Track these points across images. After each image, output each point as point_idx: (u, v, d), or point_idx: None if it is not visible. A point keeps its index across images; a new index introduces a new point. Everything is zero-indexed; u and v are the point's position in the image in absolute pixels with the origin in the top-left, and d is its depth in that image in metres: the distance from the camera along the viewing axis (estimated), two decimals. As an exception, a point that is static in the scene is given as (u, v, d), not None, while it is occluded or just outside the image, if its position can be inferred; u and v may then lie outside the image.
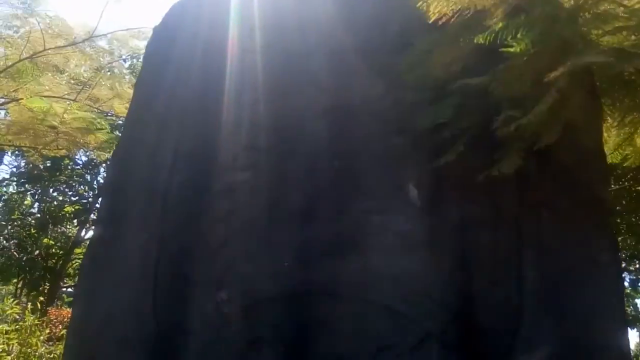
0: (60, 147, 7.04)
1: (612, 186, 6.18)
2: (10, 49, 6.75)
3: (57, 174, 14.12)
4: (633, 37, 2.73)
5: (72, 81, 7.99)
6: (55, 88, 7.19)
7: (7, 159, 14.31)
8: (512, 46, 2.67)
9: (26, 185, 14.53)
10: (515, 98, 2.79)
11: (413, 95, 3.39)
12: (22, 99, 6.07)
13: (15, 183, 14.76)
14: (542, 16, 2.64)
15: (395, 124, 3.51)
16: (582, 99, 2.68)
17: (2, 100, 6.76)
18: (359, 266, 3.33)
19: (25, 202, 15.22)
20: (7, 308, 6.10)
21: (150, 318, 3.42)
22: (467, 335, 3.09)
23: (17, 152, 11.42)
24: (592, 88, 2.90)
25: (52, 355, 5.32)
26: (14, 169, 14.68)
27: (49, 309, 8.29)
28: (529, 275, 3.11)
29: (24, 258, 13.97)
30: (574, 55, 2.50)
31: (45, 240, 14.58)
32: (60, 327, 6.65)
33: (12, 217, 14.41)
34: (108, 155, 7.57)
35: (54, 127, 6.44)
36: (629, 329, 2.83)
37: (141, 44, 8.21)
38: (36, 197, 14.81)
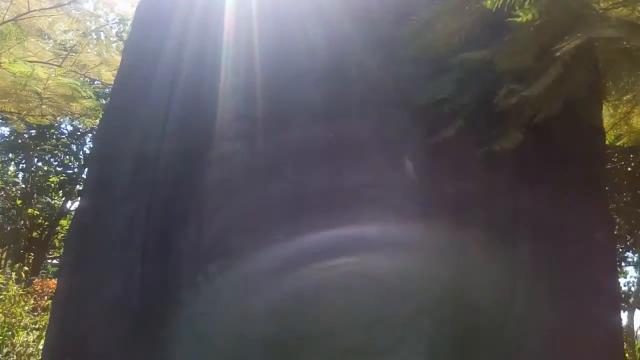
0: (45, 114, 6.84)
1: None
2: (-8, 10, 6.49)
3: (42, 143, 13.86)
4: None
5: (58, 47, 7.75)
6: (40, 53, 6.95)
7: (-10, 127, 14.02)
8: (518, 16, 2.58)
9: (10, 155, 14.25)
10: (517, 72, 2.72)
11: (412, 68, 3.30)
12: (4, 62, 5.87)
13: (-1, 151, 14.51)
14: (549, -15, 2.56)
15: (393, 97, 3.43)
16: (586, 74, 2.62)
17: (-15, 64, 6.54)
18: (352, 239, 3.28)
19: (9, 172, 14.96)
20: (-10, 278, 6.01)
21: (138, 288, 3.35)
22: (459, 311, 3.08)
23: (0, 120, 11.14)
24: (594, 62, 2.84)
25: (37, 326, 5.26)
26: (-2, 138, 14.40)
27: (34, 279, 8.19)
28: (524, 251, 3.09)
29: (8, 228, 13.79)
30: (581, 28, 2.43)
31: (30, 210, 14.39)
32: (46, 298, 6.57)
33: (-4, 186, 14.20)
34: (94, 123, 7.39)
35: (37, 93, 6.25)
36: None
37: (129, 10, 7.96)
38: (20, 166, 14.55)
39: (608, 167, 6.78)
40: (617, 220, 7.04)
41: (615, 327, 2.95)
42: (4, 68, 5.94)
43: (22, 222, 14.15)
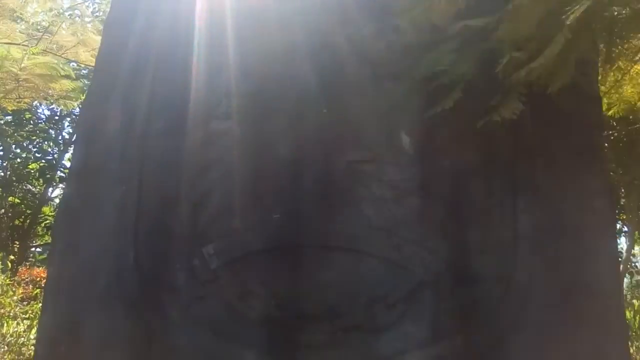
0: (22, 97, 6.59)
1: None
2: (-40, -10, 6.18)
3: (19, 129, 13.48)
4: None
5: (32, 28, 7.44)
6: (13, 35, 6.67)
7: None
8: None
9: (-14, 142, 13.87)
10: (519, 40, 2.65)
11: (408, 38, 3.21)
12: (-24, 45, 5.61)
13: (-26, 139, 14.07)
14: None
15: (388, 69, 3.35)
16: (594, 39, 2.56)
17: (-45, 47, 6.24)
18: (350, 217, 3.23)
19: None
20: (-26, 268, 5.85)
21: (131, 273, 3.27)
22: (460, 283, 3.06)
23: (-26, 106, 10.77)
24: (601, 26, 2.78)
25: (27, 315, 5.15)
26: (-28, 125, 13.95)
27: (20, 268, 8.02)
28: (523, 222, 3.07)
29: (-11, 217, 13.51)
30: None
31: (11, 198, 14.08)
32: (31, 287, 6.43)
33: (-27, 175, 13.82)
34: (74, 106, 7.16)
35: (13, 75, 6.00)
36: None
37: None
38: (-4, 154, 14.19)
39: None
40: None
41: (616, 292, 2.96)
42: (-25, 51, 5.69)
43: (2, 210, 13.85)
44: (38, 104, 12.11)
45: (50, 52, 6.63)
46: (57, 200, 15.24)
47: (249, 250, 3.24)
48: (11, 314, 4.94)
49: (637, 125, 6.01)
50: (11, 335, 4.56)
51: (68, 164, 14.08)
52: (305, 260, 3.20)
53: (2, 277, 5.36)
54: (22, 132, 13.64)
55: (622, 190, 7.03)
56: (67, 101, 7.10)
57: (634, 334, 6.11)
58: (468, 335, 2.97)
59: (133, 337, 3.19)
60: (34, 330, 4.67)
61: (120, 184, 3.43)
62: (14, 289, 5.30)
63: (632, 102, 5.30)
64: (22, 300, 5.65)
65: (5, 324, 4.76)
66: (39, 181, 14.77)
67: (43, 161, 14.66)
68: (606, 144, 6.51)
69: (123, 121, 3.61)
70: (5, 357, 4.38)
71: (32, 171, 14.56)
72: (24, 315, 5.04)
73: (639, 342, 6.08)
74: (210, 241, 3.25)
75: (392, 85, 3.35)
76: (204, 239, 3.26)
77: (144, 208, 3.35)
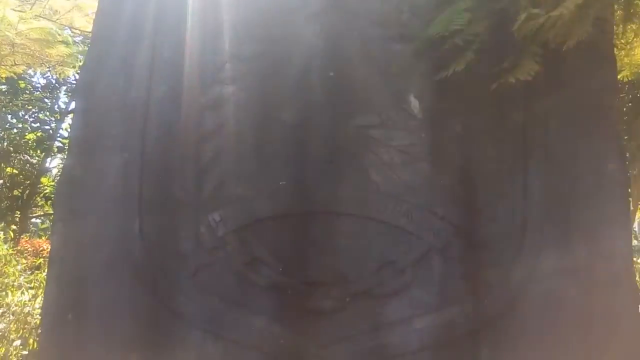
0: (18, 64, 6.42)
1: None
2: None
3: (14, 99, 13.29)
4: None
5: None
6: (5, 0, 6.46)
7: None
8: None
9: (-19, 112, 13.68)
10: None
11: (417, -2, 3.09)
12: (-33, 9, 5.41)
13: (-31, 109, 13.88)
14: None
15: (397, 30, 3.24)
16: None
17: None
18: (358, 183, 3.18)
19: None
20: (-24, 239, 5.81)
21: (137, 241, 3.23)
22: (469, 249, 3.03)
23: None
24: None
25: (32, 285, 5.15)
26: (-33, 95, 13.73)
27: (21, 238, 8.01)
28: (535, 186, 3.02)
29: (-13, 188, 13.45)
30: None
31: (9, 169, 13.99)
32: (34, 257, 6.41)
33: (-30, 145, 13.69)
34: (71, 74, 7.01)
35: (9, 40, 5.82)
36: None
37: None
38: (-7, 124, 14.02)
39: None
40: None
41: (627, 255, 2.94)
42: (-32, 16, 5.51)
43: (1, 181, 13.78)
44: (33, 73, 11.90)
45: (44, 18, 6.44)
46: (55, 171, 15.17)
47: (256, 217, 3.20)
48: (15, 283, 4.94)
49: (645, 90, 5.91)
50: (16, 305, 4.56)
51: (65, 134, 13.95)
52: (312, 226, 3.17)
53: (5, 247, 5.33)
54: (18, 102, 13.45)
55: (628, 156, 6.97)
56: (63, 68, 6.92)
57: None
58: (477, 301, 2.95)
59: (140, 304, 3.18)
60: (39, 300, 4.67)
61: (122, 151, 3.36)
62: (17, 259, 5.28)
63: (642, 67, 5.20)
64: (25, 270, 5.65)
65: (10, 294, 4.77)
66: (37, 151, 14.65)
67: (40, 131, 14.51)
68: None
69: (123, 87, 3.51)
70: (12, 326, 4.39)
71: (30, 142, 14.43)
72: (28, 285, 5.04)
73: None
74: (216, 208, 3.21)
75: (401, 47, 3.25)
76: (209, 206, 3.21)
77: (147, 175, 3.29)
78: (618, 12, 3.24)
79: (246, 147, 3.25)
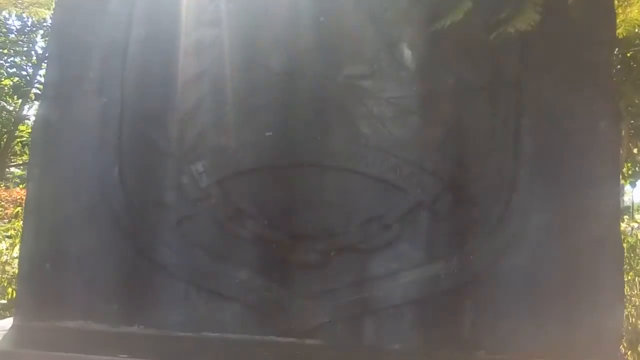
0: (-11, 3, 6.03)
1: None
2: None
3: (-12, 42, 12.73)
4: None
5: None
6: None
7: None
8: None
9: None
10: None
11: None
12: None
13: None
14: None
15: (390, -26, 3.07)
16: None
17: None
18: (346, 135, 3.08)
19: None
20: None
21: (117, 190, 3.13)
22: (458, 205, 2.99)
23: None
24: None
25: (9, 233, 5.04)
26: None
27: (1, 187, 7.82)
28: (527, 143, 2.96)
29: (-37, 135, 13.04)
30: None
31: (-15, 116, 13.57)
32: (12, 206, 6.26)
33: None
34: (47, 16, 6.66)
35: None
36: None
37: None
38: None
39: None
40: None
41: (615, 215, 2.92)
42: None
43: (-23, 128, 13.38)
44: (7, 15, 11.34)
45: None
46: (33, 118, 14.74)
47: (241, 168, 3.11)
48: (-9, 232, 4.83)
49: (638, 49, 5.81)
50: (-6, 253, 4.47)
51: (43, 80, 13.45)
52: (298, 179, 3.09)
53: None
54: (-8, 45, 12.90)
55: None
56: (37, 9, 6.55)
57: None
58: (464, 256, 2.93)
59: (121, 255, 3.11)
60: (16, 249, 4.57)
61: (100, 95, 3.20)
62: (-8, 207, 5.14)
63: (637, 25, 5.07)
64: (2, 218, 5.51)
65: (-13, 242, 4.67)
66: (14, 98, 14.18)
67: (16, 77, 14.00)
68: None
69: (101, 28, 3.31)
70: (-11, 274, 4.31)
71: (6, 88, 13.94)
72: (5, 233, 4.93)
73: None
74: (199, 158, 3.10)
75: (394, -8, 3.08)
76: (192, 156, 3.11)
77: (127, 122, 3.15)
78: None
79: (229, 95, 3.12)
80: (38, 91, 13.73)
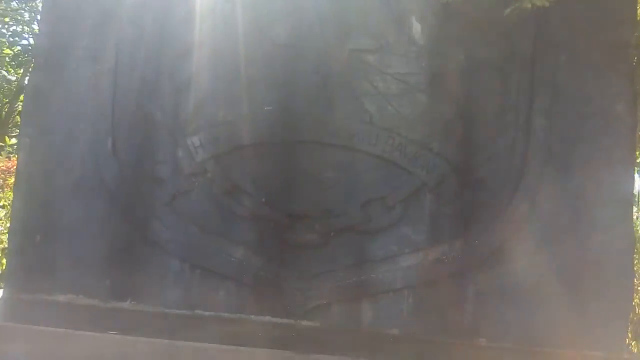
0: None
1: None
2: None
3: (-11, 10, 12.48)
4: None
5: None
6: None
7: None
8: None
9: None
10: None
11: None
12: None
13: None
14: None
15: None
16: None
17: None
18: (350, 112, 2.95)
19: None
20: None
21: (110, 162, 3.02)
22: (464, 187, 2.87)
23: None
24: None
25: (1, 203, 4.94)
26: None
27: (-2, 157, 7.71)
28: (539, 123, 2.83)
29: (-37, 104, 12.89)
30: None
31: (-15, 85, 13.39)
32: (7, 176, 6.16)
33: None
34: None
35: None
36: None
37: None
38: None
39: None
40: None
41: (628, 199, 2.80)
42: None
43: (-22, 98, 13.22)
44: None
45: None
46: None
47: (238, 143, 2.99)
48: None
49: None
50: (-13, 224, 4.38)
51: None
52: (298, 156, 2.97)
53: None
54: (-7, 13, 12.65)
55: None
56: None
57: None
58: (468, 240, 2.83)
59: (114, 229, 3.02)
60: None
61: (94, 63, 3.07)
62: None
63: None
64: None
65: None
66: (15, 69, 13.97)
67: (18, 47, 13.78)
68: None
69: (96, -5, 3.16)
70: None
71: (7, 57, 13.73)
72: (-1, 203, 4.84)
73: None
74: (195, 132, 2.98)
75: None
76: (188, 129, 2.99)
77: (121, 91, 3.02)
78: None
79: (229, 66, 2.98)
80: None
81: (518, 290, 2.76)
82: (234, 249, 2.95)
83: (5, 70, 13.80)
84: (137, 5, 3.05)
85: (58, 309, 2.87)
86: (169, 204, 2.99)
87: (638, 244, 3.42)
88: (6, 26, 13.59)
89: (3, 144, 6.41)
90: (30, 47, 13.55)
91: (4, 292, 3.02)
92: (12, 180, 5.95)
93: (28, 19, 13.71)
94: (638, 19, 3.08)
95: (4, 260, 4.16)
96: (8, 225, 4.46)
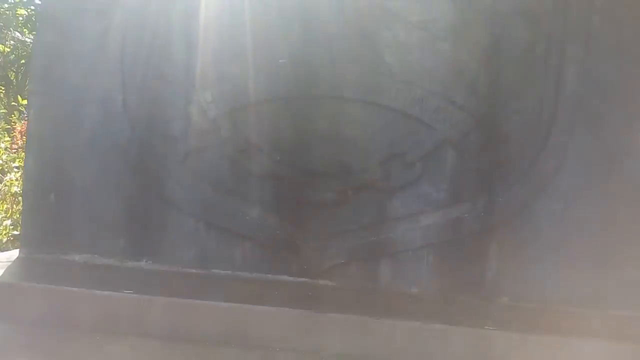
0: None
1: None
2: None
3: (0, -31, 12.30)
4: None
5: None
6: None
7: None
8: None
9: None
10: None
11: None
12: None
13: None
14: None
15: None
16: None
17: None
18: (368, 64, 2.80)
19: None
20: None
21: (122, 120, 2.94)
22: (488, 143, 2.74)
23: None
24: None
25: (16, 163, 4.94)
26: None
27: (14, 120, 7.71)
28: (570, 74, 2.66)
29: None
30: None
31: (1, 47, 13.34)
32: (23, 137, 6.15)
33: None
34: None
35: None
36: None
37: None
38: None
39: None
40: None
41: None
42: None
43: (-6, 60, 13.20)
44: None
45: None
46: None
47: (252, 99, 2.87)
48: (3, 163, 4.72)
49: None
50: (4, 185, 4.38)
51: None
52: (315, 112, 2.85)
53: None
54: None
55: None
56: None
57: None
58: (492, 198, 2.72)
59: (127, 188, 2.96)
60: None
61: (102, 16, 2.94)
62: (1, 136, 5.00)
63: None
64: (8, 148, 5.41)
65: (-4, 173, 4.58)
66: (30, 29, 13.86)
67: (31, 8, 13.64)
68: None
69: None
70: (1, 206, 4.25)
71: (21, 18, 13.61)
72: (14, 164, 4.84)
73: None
74: (207, 87, 2.87)
75: None
76: (200, 84, 2.87)
77: (130, 45, 2.90)
78: None
79: (241, 17, 2.84)
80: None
81: (542, 248, 2.66)
82: (250, 208, 2.89)
83: (20, 32, 13.70)
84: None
85: (73, 268, 2.86)
86: (183, 162, 2.91)
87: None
88: (18, -14, 13.42)
89: (15, 104, 6.36)
90: (42, 7, 13.41)
91: (20, 251, 3.02)
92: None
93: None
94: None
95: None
96: (25, 185, 4.47)
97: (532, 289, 2.67)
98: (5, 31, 13.09)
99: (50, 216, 2.99)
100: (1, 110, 6.88)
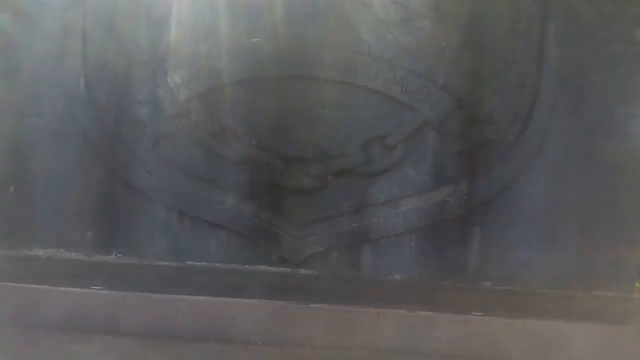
0: None
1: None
2: None
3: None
4: None
5: None
6: None
7: None
8: None
9: None
10: None
11: None
12: None
13: None
14: None
15: None
16: None
17: None
18: (346, 43, 2.69)
19: None
20: None
21: (85, 104, 2.76)
22: (471, 124, 2.67)
23: None
24: None
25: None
26: None
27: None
28: (552, 53, 2.61)
29: None
30: None
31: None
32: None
33: None
34: None
35: None
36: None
37: None
38: None
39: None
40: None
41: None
42: None
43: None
44: None
45: None
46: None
47: (224, 80, 2.72)
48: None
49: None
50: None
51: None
52: (291, 94, 2.72)
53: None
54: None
55: None
56: None
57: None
58: (474, 179, 2.66)
59: (93, 177, 2.80)
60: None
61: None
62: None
63: None
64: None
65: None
66: None
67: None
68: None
69: None
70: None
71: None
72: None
73: None
74: (176, 68, 2.71)
75: None
76: (168, 65, 2.71)
77: (92, 25, 2.72)
78: None
79: (212, -6, 2.68)
80: None
81: (526, 231, 2.63)
82: (224, 196, 2.76)
83: None
84: None
85: (37, 264, 2.68)
86: (152, 148, 2.76)
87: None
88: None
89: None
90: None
91: (-20, 247, 2.82)
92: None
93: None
94: None
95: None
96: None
97: (515, 272, 2.65)
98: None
99: (10, 209, 2.80)
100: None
